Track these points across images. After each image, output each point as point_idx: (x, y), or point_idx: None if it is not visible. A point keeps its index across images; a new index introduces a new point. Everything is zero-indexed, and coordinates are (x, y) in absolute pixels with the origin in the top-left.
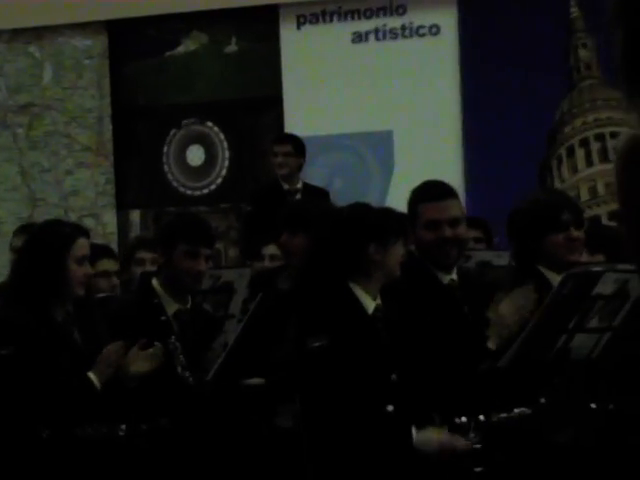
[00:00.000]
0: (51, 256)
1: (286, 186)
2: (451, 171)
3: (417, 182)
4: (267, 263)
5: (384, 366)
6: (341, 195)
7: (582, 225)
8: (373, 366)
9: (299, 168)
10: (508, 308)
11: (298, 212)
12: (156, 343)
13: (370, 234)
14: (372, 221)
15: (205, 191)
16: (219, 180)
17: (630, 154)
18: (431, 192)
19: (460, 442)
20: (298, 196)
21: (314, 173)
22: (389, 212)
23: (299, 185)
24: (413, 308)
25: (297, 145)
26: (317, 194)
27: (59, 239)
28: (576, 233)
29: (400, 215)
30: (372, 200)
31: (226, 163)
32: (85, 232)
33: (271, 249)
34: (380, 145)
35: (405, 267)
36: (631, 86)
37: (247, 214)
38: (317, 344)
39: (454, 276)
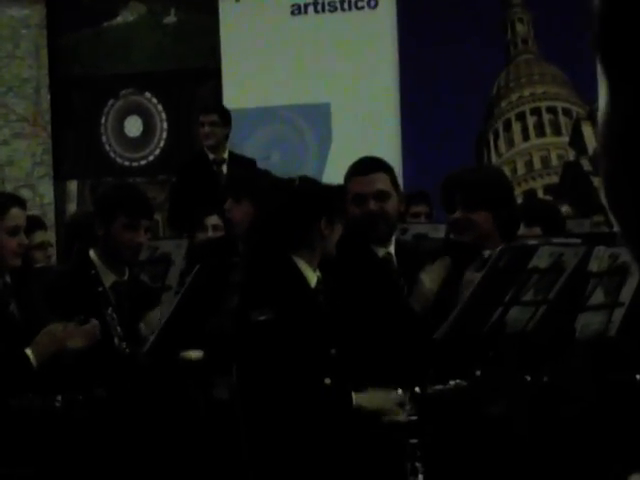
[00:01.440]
0: None
1: (212, 156)
2: (388, 144)
3: (354, 155)
4: (210, 234)
5: (324, 340)
6: (278, 167)
7: (473, 207)
8: (315, 340)
9: (225, 138)
10: (427, 278)
11: (243, 179)
12: (92, 319)
13: (323, 209)
14: (325, 196)
15: (143, 162)
16: (157, 151)
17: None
18: (358, 166)
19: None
20: (224, 166)
21: (251, 145)
22: (334, 188)
23: (225, 155)
24: (349, 282)
25: (223, 115)
26: (244, 163)
27: None
28: (459, 214)
29: (341, 191)
30: (309, 172)
31: (164, 134)
32: (20, 202)
33: (214, 219)
34: (318, 118)
35: (341, 241)
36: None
37: (173, 185)
38: (262, 318)
39: (391, 249)
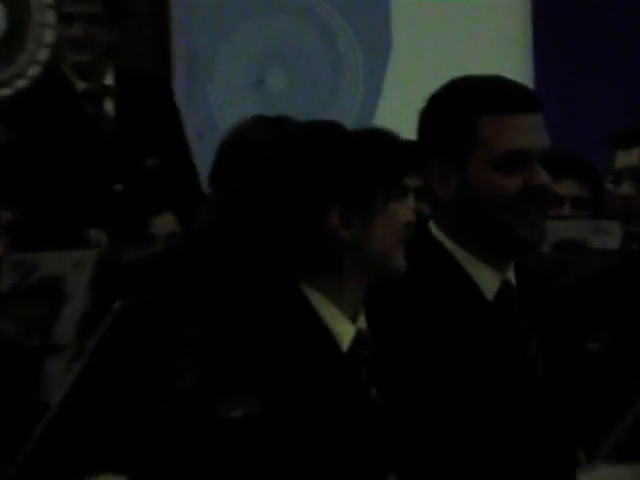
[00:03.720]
0: None
1: None
2: None
3: None
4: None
5: (375, 458)
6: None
7: None
8: (354, 461)
9: None
10: None
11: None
12: None
13: (335, 185)
14: (340, 159)
15: None
16: None
17: None
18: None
19: None
20: None
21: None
22: (377, 139)
23: None
24: (426, 340)
25: None
26: None
27: None
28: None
29: (403, 146)
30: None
31: None
32: None
33: (167, 221)
34: None
35: (413, 254)
36: None
37: None
38: (238, 413)
39: (511, 275)
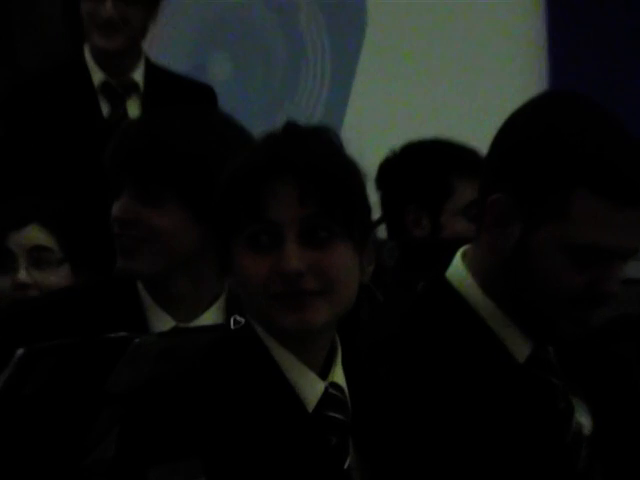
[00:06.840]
0: None
1: None
2: None
3: None
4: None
5: None
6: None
7: None
8: None
9: None
10: None
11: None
12: None
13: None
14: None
15: None
16: None
17: None
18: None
19: None
20: None
21: None
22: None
23: None
24: (435, 406)
25: None
26: None
27: None
28: None
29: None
30: None
31: None
32: None
33: None
34: None
35: (422, 301)
36: None
37: None
38: None
39: None
